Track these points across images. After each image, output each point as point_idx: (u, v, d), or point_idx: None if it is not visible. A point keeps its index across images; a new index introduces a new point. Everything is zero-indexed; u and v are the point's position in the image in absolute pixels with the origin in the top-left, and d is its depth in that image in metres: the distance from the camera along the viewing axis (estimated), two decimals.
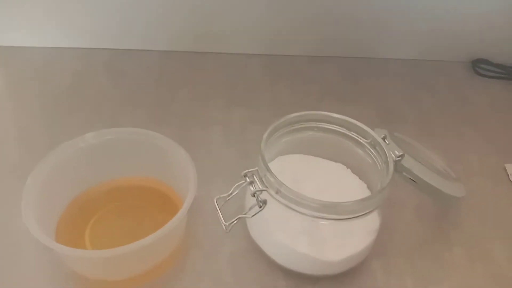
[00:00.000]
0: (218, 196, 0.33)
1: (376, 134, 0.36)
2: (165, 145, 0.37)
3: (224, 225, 0.32)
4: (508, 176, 0.47)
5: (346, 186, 0.38)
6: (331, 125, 0.38)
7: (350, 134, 0.38)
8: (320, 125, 0.38)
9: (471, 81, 0.62)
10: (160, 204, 0.39)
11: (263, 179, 0.33)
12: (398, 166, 0.36)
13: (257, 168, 0.33)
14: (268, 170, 0.32)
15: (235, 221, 0.32)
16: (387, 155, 0.34)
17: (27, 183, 0.33)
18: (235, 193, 0.33)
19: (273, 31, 0.60)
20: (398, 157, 0.35)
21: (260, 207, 0.32)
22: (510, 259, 0.39)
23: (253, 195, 0.32)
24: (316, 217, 0.31)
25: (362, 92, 0.57)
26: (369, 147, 0.37)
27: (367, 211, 0.32)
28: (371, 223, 0.35)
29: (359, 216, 0.32)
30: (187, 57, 0.60)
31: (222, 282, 0.35)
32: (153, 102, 0.52)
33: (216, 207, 0.33)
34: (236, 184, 0.33)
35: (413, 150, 0.41)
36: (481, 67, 0.64)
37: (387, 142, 0.36)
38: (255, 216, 0.33)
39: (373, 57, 0.63)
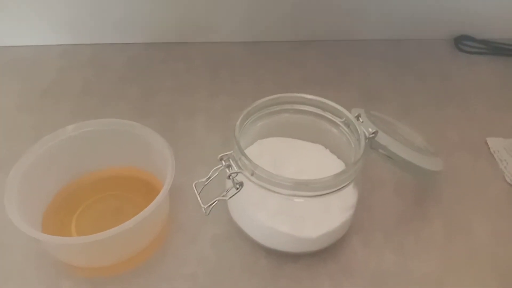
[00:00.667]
0: (196, 181, 0.34)
1: (351, 114, 0.37)
2: (144, 133, 0.38)
3: (203, 208, 0.33)
4: (489, 149, 0.48)
5: (325, 166, 0.39)
6: (305, 106, 0.38)
7: (325, 114, 0.38)
8: (295, 107, 0.39)
9: (454, 58, 0.62)
10: (144, 192, 0.40)
11: (239, 162, 0.33)
12: (373, 143, 0.37)
13: (232, 151, 0.34)
14: (243, 153, 0.33)
15: (214, 204, 0.33)
16: (359, 132, 0.35)
17: (10, 176, 0.34)
18: (213, 176, 0.34)
19: (254, 18, 0.61)
20: (372, 134, 0.36)
21: (237, 189, 0.33)
22: (490, 232, 0.40)
23: (229, 177, 0.33)
24: (291, 195, 0.32)
25: (344, 75, 0.58)
26: (343, 126, 0.37)
27: (340, 186, 0.32)
28: (347, 199, 0.36)
29: (332, 192, 0.32)
30: (170, 48, 0.61)
31: (206, 264, 0.36)
32: (137, 94, 0.53)
33: (195, 191, 0.34)
34: (214, 168, 0.34)
35: (390, 127, 0.42)
36: (464, 43, 0.64)
37: (361, 120, 0.37)
38: (235, 198, 0.33)
39: (354, 39, 0.64)
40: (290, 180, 0.31)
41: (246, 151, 0.37)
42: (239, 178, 0.33)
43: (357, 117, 0.37)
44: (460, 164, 0.46)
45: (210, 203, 0.33)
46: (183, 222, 0.39)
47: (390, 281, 0.36)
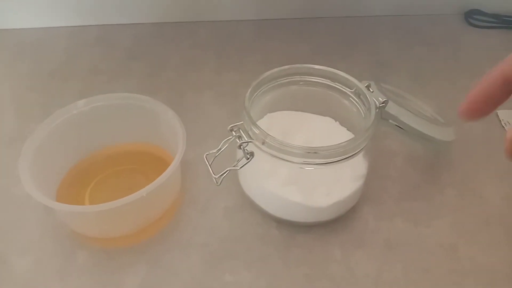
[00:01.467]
0: (207, 152, 0.34)
1: (361, 84, 0.37)
2: (154, 107, 0.38)
3: (215, 178, 0.33)
4: (501, 121, 0.47)
5: (335, 138, 0.38)
6: (315, 77, 0.38)
7: (335, 85, 0.38)
8: (304, 78, 0.38)
9: (465, 32, 0.61)
10: (156, 166, 0.40)
11: (249, 132, 0.33)
12: (383, 113, 0.37)
13: (242, 122, 0.34)
14: (253, 123, 0.33)
15: (225, 173, 0.33)
16: (370, 101, 0.35)
17: (23, 150, 0.34)
18: (223, 148, 0.34)
19: None
20: (382, 103, 0.36)
21: (247, 158, 0.33)
22: (501, 198, 0.40)
23: (240, 147, 0.33)
24: (301, 163, 0.32)
25: (354, 50, 0.57)
26: (353, 97, 0.37)
27: (350, 154, 0.32)
28: (358, 168, 0.36)
29: (343, 159, 0.32)
30: (177, 27, 0.60)
31: (218, 234, 0.37)
32: (145, 72, 0.53)
33: (206, 162, 0.34)
34: (225, 140, 0.34)
35: (401, 99, 0.41)
36: (474, 18, 0.63)
37: (371, 90, 0.37)
38: (246, 169, 0.34)
39: (364, 15, 0.63)
40: (301, 148, 0.31)
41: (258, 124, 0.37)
42: (250, 148, 0.33)
43: (368, 87, 0.36)
44: (472, 134, 0.46)
45: (221, 173, 0.33)
46: (195, 194, 0.39)
47: (402, 250, 0.36)
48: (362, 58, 0.56)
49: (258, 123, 0.38)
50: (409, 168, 0.42)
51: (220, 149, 0.34)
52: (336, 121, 0.40)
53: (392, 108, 0.37)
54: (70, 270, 0.34)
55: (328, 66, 0.38)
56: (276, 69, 0.37)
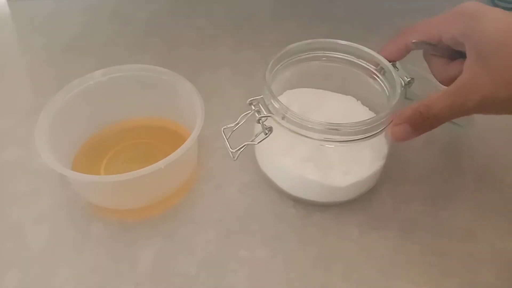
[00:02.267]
0: (225, 126, 0.34)
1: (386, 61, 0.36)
2: (172, 79, 0.38)
3: (231, 152, 0.32)
4: None
5: (355, 118, 0.38)
6: (338, 53, 0.37)
7: (359, 62, 0.37)
8: (327, 54, 0.37)
9: None
10: (172, 141, 0.39)
11: (269, 107, 0.33)
12: (408, 93, 0.35)
13: (262, 96, 0.33)
14: (273, 97, 0.32)
15: (243, 148, 0.32)
16: (395, 79, 0.34)
17: (39, 120, 0.34)
18: (242, 122, 0.33)
19: None
20: (408, 82, 0.34)
21: (266, 134, 0.32)
22: None
23: (258, 121, 0.32)
24: (322, 139, 0.32)
25: (373, 31, 0.56)
26: (378, 74, 0.36)
27: (372, 133, 0.32)
28: (378, 149, 0.35)
29: (364, 138, 0.32)
30: (193, 2, 0.59)
31: (233, 210, 0.36)
32: (161, 47, 0.52)
33: (223, 136, 0.33)
34: (243, 114, 0.34)
35: (425, 80, 0.40)
36: None
37: (397, 69, 0.35)
38: (263, 146, 0.33)
39: None
40: (322, 124, 0.31)
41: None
42: (268, 123, 0.33)
43: (393, 65, 0.35)
44: (493, 119, 0.44)
45: (239, 147, 0.32)
46: (211, 171, 0.39)
47: (420, 231, 0.36)
48: (381, 40, 0.54)
49: (279, 98, 0.37)
50: (429, 151, 0.41)
51: (238, 123, 0.33)
52: (357, 100, 0.39)
53: (417, 88, 0.36)
54: (84, 241, 0.34)
55: None
56: (298, 43, 0.36)
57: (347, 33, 0.55)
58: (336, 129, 0.31)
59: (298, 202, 0.37)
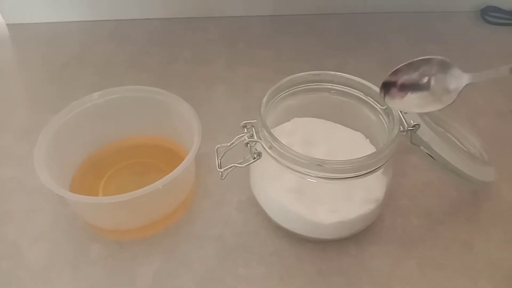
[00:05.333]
0: (219, 145, 0.34)
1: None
2: (168, 99, 0.38)
3: (220, 171, 0.32)
4: None
5: (359, 154, 0.33)
6: (347, 87, 0.36)
7: (367, 99, 0.36)
8: (336, 87, 0.36)
9: (480, 29, 0.60)
10: (169, 160, 0.40)
11: (259, 134, 0.32)
12: (414, 138, 0.34)
13: (256, 120, 0.33)
14: (264, 125, 0.32)
15: (230, 169, 0.32)
16: (395, 119, 0.32)
17: (38, 141, 0.35)
18: (236, 143, 0.33)
19: None
20: (413, 126, 0.32)
21: (254, 158, 0.32)
22: None
23: (246, 145, 0.32)
24: (305, 174, 0.31)
25: (366, 47, 0.57)
26: (383, 114, 0.35)
27: (359, 173, 0.30)
28: (372, 192, 0.34)
29: (348, 177, 0.30)
30: (189, 22, 0.60)
31: (232, 227, 0.37)
32: (156, 65, 0.53)
33: (216, 154, 0.33)
34: (238, 136, 0.33)
35: (443, 125, 0.39)
36: (490, 15, 0.62)
37: (405, 112, 0.33)
38: (254, 169, 0.33)
39: (377, 12, 0.62)
40: (305, 158, 0.30)
41: (281, 127, 0.36)
42: (259, 148, 0.33)
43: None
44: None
45: (226, 167, 0.32)
46: (209, 188, 0.39)
47: (417, 246, 0.36)
48: (374, 55, 0.55)
49: (283, 125, 0.37)
50: (437, 199, 0.40)
51: (232, 143, 0.33)
52: (366, 138, 0.38)
53: (425, 134, 0.34)
54: (83, 261, 0.35)
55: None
56: (305, 73, 0.36)
57: (341, 49, 0.56)
58: (319, 165, 0.30)
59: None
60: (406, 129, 0.32)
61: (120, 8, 0.60)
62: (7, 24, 0.60)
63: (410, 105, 0.32)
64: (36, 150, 0.34)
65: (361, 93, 0.36)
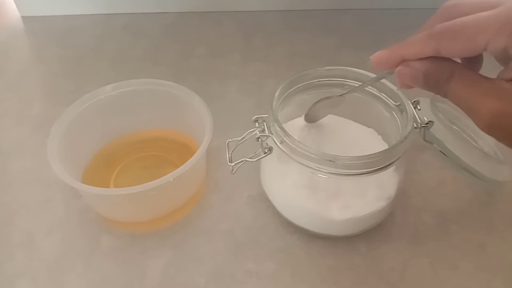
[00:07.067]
0: (230, 139, 0.34)
1: (406, 98, 0.33)
2: (181, 93, 0.38)
3: (230, 165, 0.32)
4: None
5: (371, 151, 0.32)
6: (359, 83, 0.35)
7: (380, 95, 0.35)
8: (348, 83, 0.36)
9: None
10: (181, 153, 0.40)
11: (271, 128, 0.32)
12: (427, 135, 0.33)
13: (268, 115, 0.33)
14: (275, 119, 0.32)
15: (240, 163, 0.32)
16: (409, 117, 0.31)
17: (52, 133, 0.35)
18: (247, 138, 0.33)
19: None
20: (426, 123, 0.32)
21: (265, 153, 0.32)
22: None
23: (258, 139, 0.32)
24: (316, 169, 0.30)
25: (381, 43, 0.56)
26: (396, 111, 0.34)
27: (370, 169, 0.30)
28: (385, 189, 0.34)
29: (360, 174, 0.30)
30: (204, 16, 0.60)
31: (242, 223, 0.37)
32: (171, 60, 0.53)
33: (226, 148, 0.33)
34: (249, 130, 0.33)
35: (459, 124, 0.38)
36: None
37: (419, 108, 0.33)
38: (265, 164, 0.33)
39: (392, 8, 0.61)
40: (317, 153, 0.29)
41: (292, 122, 0.36)
42: (270, 143, 0.32)
43: (415, 104, 0.33)
44: None
45: (236, 162, 0.32)
46: (219, 182, 0.39)
47: (430, 245, 0.35)
48: None
49: (295, 120, 0.37)
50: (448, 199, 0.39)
51: (244, 137, 0.33)
52: (379, 135, 0.37)
53: (439, 131, 0.34)
54: (94, 252, 0.35)
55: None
56: (318, 68, 0.35)
57: (356, 45, 0.55)
58: (330, 161, 0.30)
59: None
60: (419, 126, 0.32)
61: (135, 2, 0.60)
62: (22, 17, 0.60)
63: None
64: (49, 142, 0.34)
65: (375, 89, 0.35)
